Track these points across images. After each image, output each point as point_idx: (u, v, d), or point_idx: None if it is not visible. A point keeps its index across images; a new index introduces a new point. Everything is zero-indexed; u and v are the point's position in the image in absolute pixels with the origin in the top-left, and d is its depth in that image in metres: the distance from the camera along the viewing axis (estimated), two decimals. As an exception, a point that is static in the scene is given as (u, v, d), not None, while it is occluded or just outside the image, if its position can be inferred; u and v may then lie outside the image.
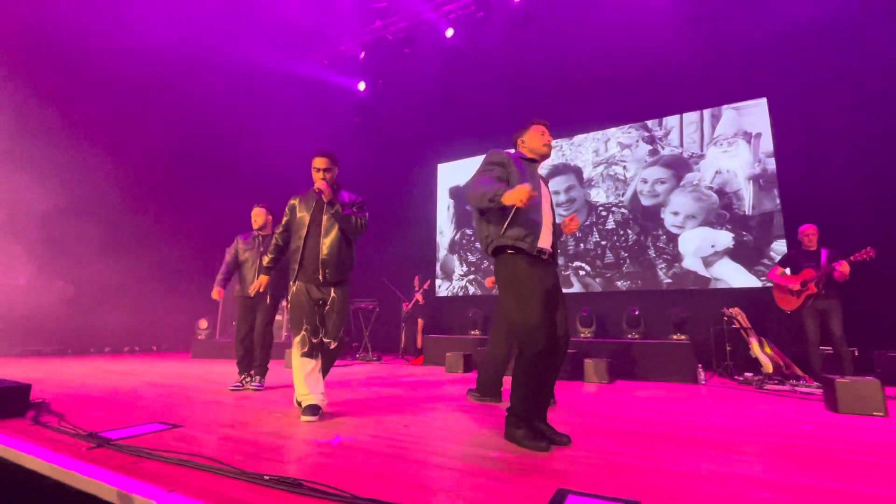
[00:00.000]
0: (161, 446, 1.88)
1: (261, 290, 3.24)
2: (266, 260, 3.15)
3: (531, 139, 2.34)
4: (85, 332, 7.80)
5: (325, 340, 2.80)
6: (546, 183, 2.42)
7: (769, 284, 5.64)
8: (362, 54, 8.96)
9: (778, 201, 5.86)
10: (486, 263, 8.06)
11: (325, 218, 2.81)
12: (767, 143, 6.03)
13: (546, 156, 2.35)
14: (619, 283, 6.81)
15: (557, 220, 2.32)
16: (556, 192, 7.51)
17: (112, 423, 2.34)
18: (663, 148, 6.80)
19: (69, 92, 7.58)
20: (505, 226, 2.12)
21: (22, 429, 2.17)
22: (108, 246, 7.90)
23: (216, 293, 3.98)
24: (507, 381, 3.00)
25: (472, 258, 8.25)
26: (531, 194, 1.83)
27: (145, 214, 8.61)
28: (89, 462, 1.67)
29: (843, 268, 3.99)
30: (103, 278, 7.86)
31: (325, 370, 2.88)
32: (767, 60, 6.13)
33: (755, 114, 6.17)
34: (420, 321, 7.42)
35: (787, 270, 4.49)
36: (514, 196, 1.85)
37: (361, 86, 9.41)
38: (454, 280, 8.36)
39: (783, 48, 6.01)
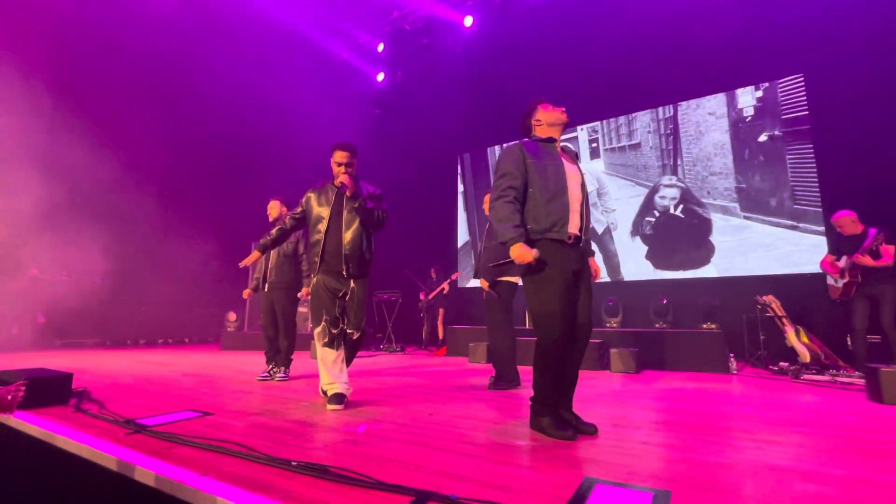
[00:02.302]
0: (194, 433, 1.95)
1: (248, 263, 3.25)
2: (264, 238, 3.17)
3: (545, 115, 2.27)
4: (122, 325, 8.15)
5: (349, 331, 2.82)
6: (576, 159, 2.32)
7: (804, 271, 5.43)
8: (381, 46, 8.94)
9: (817, 185, 5.59)
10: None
11: (346, 211, 2.81)
12: (804, 123, 5.74)
13: (567, 122, 2.29)
14: (646, 272, 6.65)
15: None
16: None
17: (148, 411, 2.42)
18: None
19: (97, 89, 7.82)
20: (534, 216, 2.08)
21: (65, 415, 2.27)
22: (142, 242, 8.19)
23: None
24: (527, 370, 3.01)
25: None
26: (529, 261, 1.99)
27: (176, 211, 8.87)
28: (127, 447, 1.74)
29: (860, 260, 3.80)
30: (139, 274, 8.16)
31: (348, 360, 2.90)
32: (802, 37, 5.81)
33: (789, 93, 5.87)
34: (441, 310, 7.41)
35: (844, 257, 4.15)
36: (519, 255, 1.97)
37: (380, 77, 9.40)
38: (476, 271, 8.31)
39: (820, 24, 5.69)
